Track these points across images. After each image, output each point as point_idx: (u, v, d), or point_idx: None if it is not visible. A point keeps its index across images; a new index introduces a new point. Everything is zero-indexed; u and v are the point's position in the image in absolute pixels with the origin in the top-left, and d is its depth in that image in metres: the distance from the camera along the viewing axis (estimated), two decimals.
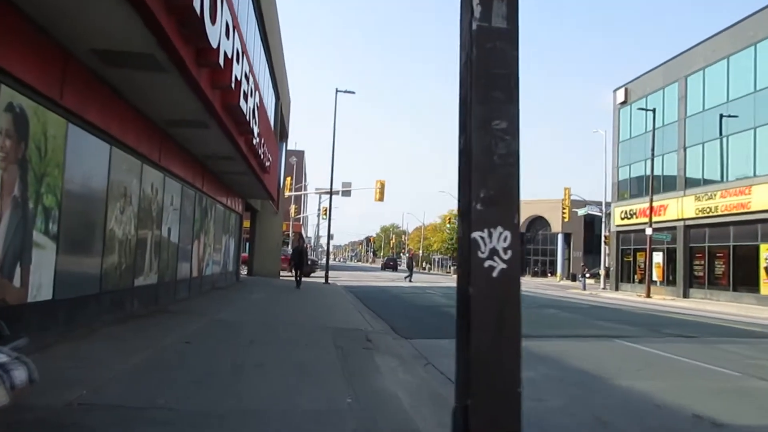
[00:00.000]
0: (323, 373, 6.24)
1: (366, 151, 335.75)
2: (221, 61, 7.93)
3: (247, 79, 10.48)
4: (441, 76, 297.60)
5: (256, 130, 13.01)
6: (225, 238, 20.52)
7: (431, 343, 9.88)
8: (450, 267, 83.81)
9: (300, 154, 71.72)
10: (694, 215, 31.03)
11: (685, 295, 31.55)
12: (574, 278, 62.35)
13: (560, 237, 67.81)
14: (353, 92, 30.48)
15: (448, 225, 77.35)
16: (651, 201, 31.70)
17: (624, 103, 39.05)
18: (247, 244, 32.30)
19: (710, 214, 29.64)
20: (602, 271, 41.10)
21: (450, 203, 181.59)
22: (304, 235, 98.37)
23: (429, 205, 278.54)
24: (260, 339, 8.45)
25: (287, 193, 41.42)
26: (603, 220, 42.56)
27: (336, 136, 30.59)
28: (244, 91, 10.18)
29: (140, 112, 9.53)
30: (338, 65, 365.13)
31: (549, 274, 69.58)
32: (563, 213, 47.88)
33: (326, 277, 29.25)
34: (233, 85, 9.02)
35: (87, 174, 7.95)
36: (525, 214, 70.22)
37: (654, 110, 32.32)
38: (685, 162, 32.34)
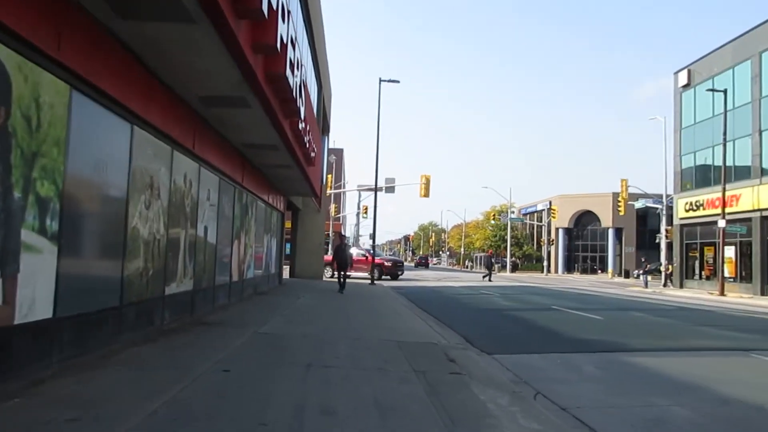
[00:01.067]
0: (417, 420, 4.46)
1: (406, 147, 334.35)
2: (264, 8, 6.22)
3: (293, 45, 8.76)
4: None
5: (302, 112, 11.33)
6: (267, 238, 19.00)
7: (521, 360, 8.03)
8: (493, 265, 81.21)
9: (339, 153, 70.44)
10: None
11: (763, 293, 28.74)
12: (626, 275, 59.22)
13: (611, 232, 64.73)
14: (398, 81, 28.72)
15: (492, 221, 74.81)
16: (724, 190, 28.98)
17: (687, 85, 36.24)
18: (288, 244, 30.87)
19: None
20: (663, 268, 38.31)
21: (493, 199, 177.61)
22: (344, 236, 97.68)
23: (470, 202, 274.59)
24: (318, 361, 6.73)
25: (328, 191, 39.92)
26: (663, 212, 39.75)
27: (380, 129, 28.90)
28: (290, 60, 8.48)
29: (167, 84, 7.92)
30: (378, 51, 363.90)
31: (599, 271, 66.50)
32: (618, 206, 45.10)
33: (372, 278, 27.60)
34: (278, 46, 7.31)
35: (101, 157, 6.35)
36: (572, 209, 67.34)
37: (725, 90, 29.54)
38: (761, 147, 29.48)
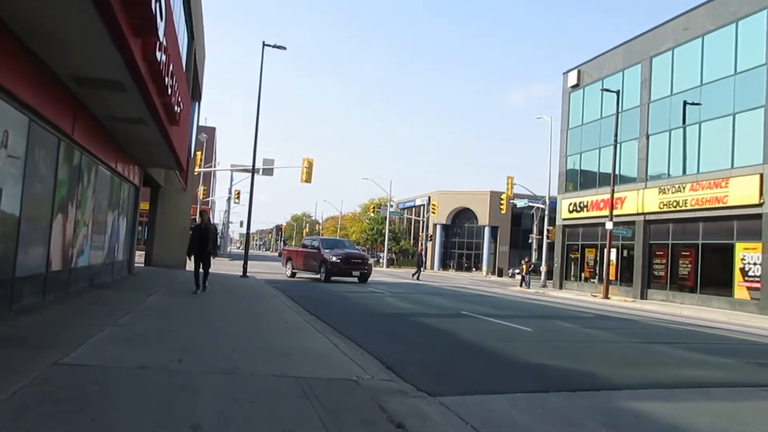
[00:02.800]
0: None
1: (284, 135, 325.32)
2: None
3: None
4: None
5: (161, 32, 7.80)
6: (113, 216, 14.91)
7: (485, 405, 5.35)
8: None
9: (211, 131, 64.89)
10: (656, 209, 28.34)
11: (643, 296, 28.92)
12: (500, 273, 59.93)
13: (487, 230, 65.40)
14: (284, 48, 25.19)
15: (372, 214, 72.93)
16: (612, 192, 28.74)
17: (576, 86, 36.15)
18: (146, 228, 26.33)
19: (677, 208, 26.99)
20: (543, 268, 38.17)
21: (372, 192, 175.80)
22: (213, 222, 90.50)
23: (347, 195, 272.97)
24: None
25: (197, 169, 35.34)
26: (545, 213, 39.68)
27: (260, 99, 25.26)
28: None
29: None
30: (258, 32, 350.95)
31: (474, 269, 67.00)
32: (500, 204, 44.71)
33: (245, 270, 24.00)
34: None
35: None
36: (450, 205, 67.18)
37: (618, 91, 29.32)
38: (648, 151, 29.63)
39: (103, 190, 13.57)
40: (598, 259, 33.20)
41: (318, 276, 25.26)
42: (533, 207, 47.87)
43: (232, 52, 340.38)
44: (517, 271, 55.68)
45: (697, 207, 25.82)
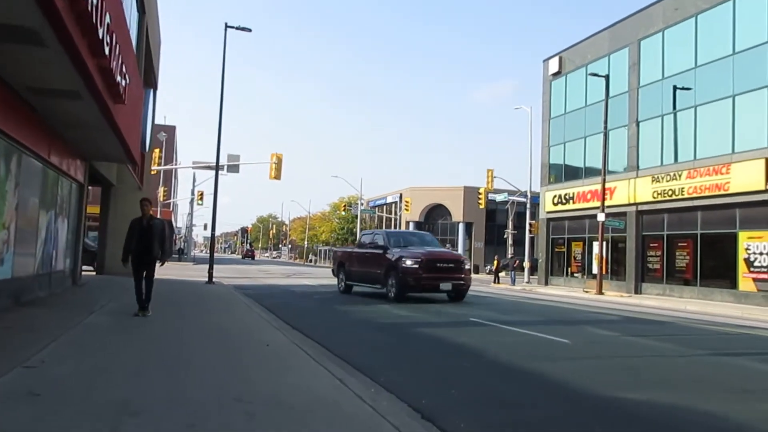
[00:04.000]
0: None
1: (249, 133, 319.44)
2: None
3: None
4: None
5: None
6: (48, 218, 12.36)
7: None
8: None
9: (171, 130, 61.65)
10: (649, 199, 26.83)
11: (637, 290, 27.40)
12: (476, 270, 58.21)
13: (461, 226, 63.69)
14: (249, 30, 22.77)
15: (343, 212, 70.50)
16: (603, 181, 27.11)
17: (558, 73, 34.54)
18: (97, 232, 23.56)
19: (672, 197, 25.49)
20: (527, 263, 36.49)
21: (341, 191, 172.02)
22: (175, 226, 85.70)
23: (315, 194, 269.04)
24: None
25: (154, 168, 32.52)
26: (527, 206, 38.01)
27: (224, 87, 22.78)
28: None
29: None
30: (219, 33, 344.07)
31: None
32: (479, 198, 42.89)
33: (210, 274, 21.52)
34: None
35: None
36: (423, 202, 65.28)
37: (607, 76, 27.69)
38: (638, 138, 28.11)
39: (32, 186, 11.05)
40: (586, 252, 31.63)
41: (384, 291, 16.72)
42: (508, 202, 46.31)
43: (194, 57, 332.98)
44: (492, 267, 54.15)
45: (694, 195, 24.34)
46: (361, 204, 65.37)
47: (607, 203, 27.99)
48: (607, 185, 27.94)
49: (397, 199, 68.69)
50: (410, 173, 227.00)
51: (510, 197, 42.97)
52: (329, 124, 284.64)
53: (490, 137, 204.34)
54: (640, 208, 27.56)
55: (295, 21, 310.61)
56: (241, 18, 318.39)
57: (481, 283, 36.80)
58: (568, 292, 28.26)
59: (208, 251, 23.85)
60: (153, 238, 9.91)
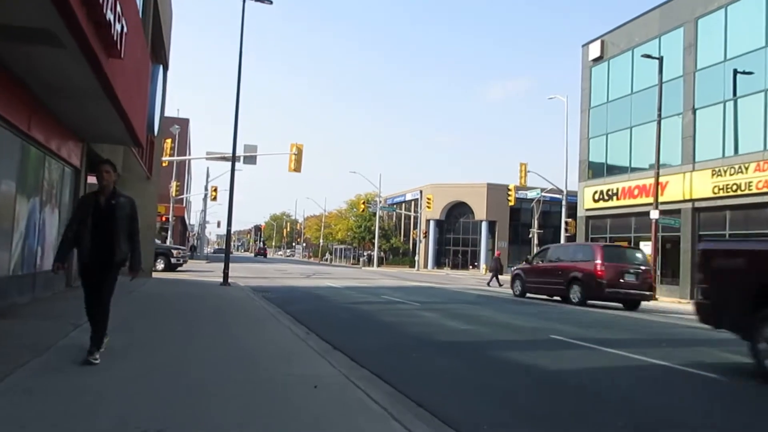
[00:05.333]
0: None
1: (263, 132, 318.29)
2: None
3: None
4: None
5: None
6: (30, 206, 10.12)
7: None
8: (358, 258, 74.66)
9: (184, 123, 59.70)
10: (708, 194, 24.24)
11: (693, 296, 24.78)
12: (501, 271, 55.51)
13: (484, 225, 61.14)
14: (270, 2, 20.48)
15: (357, 210, 68.03)
16: (657, 175, 24.51)
17: (599, 59, 31.94)
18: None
19: (737, 192, 22.88)
20: None
21: (358, 188, 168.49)
22: (188, 223, 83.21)
23: (330, 192, 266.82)
24: None
25: (166, 158, 30.36)
26: (563, 203, 35.47)
27: (242, 64, 20.46)
28: None
29: None
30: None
31: (471, 267, 62.72)
32: (508, 196, 40.38)
33: (225, 275, 19.31)
34: None
35: None
36: (444, 200, 62.80)
37: (661, 58, 25.07)
38: (695, 127, 25.50)
39: (8, 166, 8.80)
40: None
41: None
42: (534, 200, 43.74)
43: (205, 51, 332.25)
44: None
45: (765, 190, 21.74)
46: (379, 201, 62.99)
47: (652, 200, 25.47)
48: (653, 180, 25.35)
49: (417, 197, 66.24)
50: (424, 173, 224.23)
51: (542, 194, 40.40)
52: (343, 122, 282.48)
53: (511, 134, 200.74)
54: (697, 204, 24.97)
55: (309, 19, 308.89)
56: (255, 22, 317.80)
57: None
58: None
59: (221, 249, 21.55)
60: (116, 229, 5.78)
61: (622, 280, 17.19)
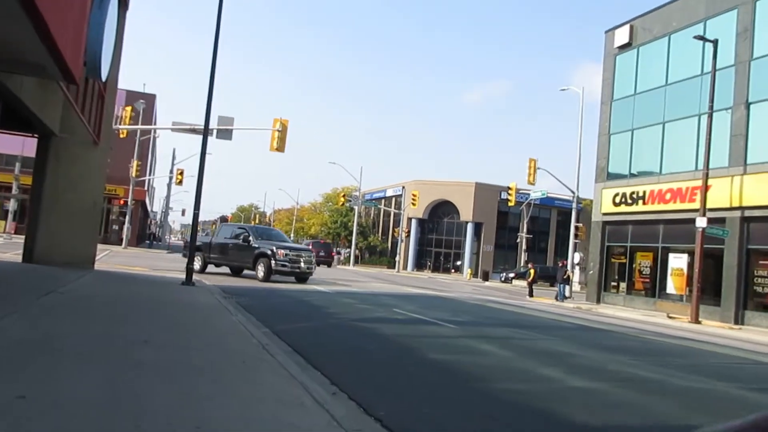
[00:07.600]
0: None
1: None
2: None
3: None
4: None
5: None
6: None
7: None
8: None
9: (150, 99, 54.48)
10: (762, 203, 20.81)
11: (737, 320, 21.34)
12: (486, 276, 51.97)
13: (470, 227, 57.48)
14: None
15: (339, 204, 63.63)
16: (706, 177, 20.98)
17: (627, 46, 28.38)
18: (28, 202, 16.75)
19: None
20: (574, 274, 30.36)
21: (339, 180, 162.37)
22: (149, 210, 77.33)
23: (302, 185, 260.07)
24: None
25: (121, 127, 25.58)
26: (573, 206, 31.90)
27: (219, 27, 16.04)
28: None
29: None
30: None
31: (453, 270, 58.98)
32: (509, 195, 36.71)
33: (189, 271, 15.08)
34: None
35: None
36: (428, 198, 58.93)
37: (716, 41, 21.55)
38: (748, 124, 22.07)
39: None
40: (658, 266, 25.51)
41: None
42: (518, 203, 40.29)
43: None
44: (511, 275, 48.01)
45: None
46: (359, 195, 58.81)
47: (695, 206, 22.00)
48: (694, 183, 21.96)
49: (399, 193, 62.28)
50: (407, 171, 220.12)
51: (546, 194, 36.85)
52: (318, 117, 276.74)
53: (501, 136, 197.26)
54: (747, 213, 21.51)
55: (293, 16, 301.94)
56: (240, 16, 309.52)
57: (511, 295, 30.56)
58: (645, 316, 22.14)
59: (185, 238, 17.25)
60: None
61: None
